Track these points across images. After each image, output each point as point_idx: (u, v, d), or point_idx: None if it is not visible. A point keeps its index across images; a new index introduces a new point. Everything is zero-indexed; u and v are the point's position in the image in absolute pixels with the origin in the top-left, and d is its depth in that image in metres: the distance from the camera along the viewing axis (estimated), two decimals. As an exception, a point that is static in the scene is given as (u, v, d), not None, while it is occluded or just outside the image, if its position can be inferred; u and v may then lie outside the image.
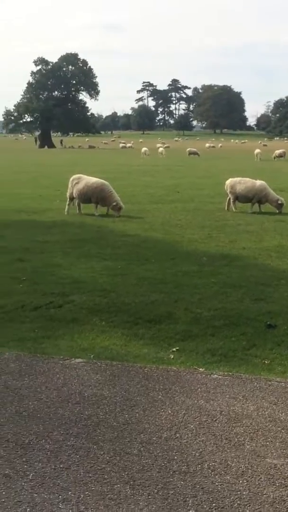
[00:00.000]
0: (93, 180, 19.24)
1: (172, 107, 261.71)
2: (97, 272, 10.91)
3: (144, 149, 67.94)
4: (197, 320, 8.17)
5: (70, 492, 4.10)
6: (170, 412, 5.33)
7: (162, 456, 4.58)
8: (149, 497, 4.06)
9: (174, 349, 7.10)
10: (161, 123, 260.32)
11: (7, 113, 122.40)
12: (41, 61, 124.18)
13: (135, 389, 5.82)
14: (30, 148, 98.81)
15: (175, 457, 4.57)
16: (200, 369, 6.45)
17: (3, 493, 4.08)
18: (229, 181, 19.96)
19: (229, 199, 19.92)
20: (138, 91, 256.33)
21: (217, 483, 4.23)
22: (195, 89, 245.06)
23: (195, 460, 4.54)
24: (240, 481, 4.26)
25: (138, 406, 5.44)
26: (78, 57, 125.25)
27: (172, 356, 6.88)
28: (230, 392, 5.79)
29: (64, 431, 4.95)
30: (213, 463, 4.49)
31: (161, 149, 70.12)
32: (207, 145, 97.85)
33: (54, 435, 4.88)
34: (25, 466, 4.41)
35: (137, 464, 4.46)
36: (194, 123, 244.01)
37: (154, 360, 6.76)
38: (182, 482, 4.23)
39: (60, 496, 4.05)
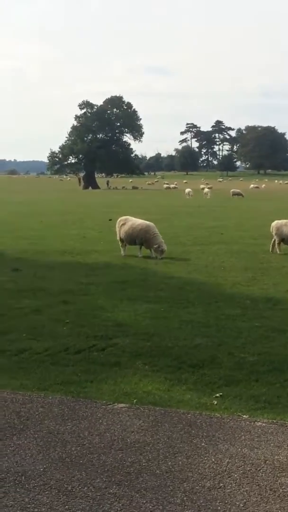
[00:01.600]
0: (138, 221, 19.38)
1: (216, 148, 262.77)
2: (140, 315, 10.91)
3: (187, 190, 68.27)
4: (240, 365, 8.09)
5: None
6: (213, 460, 5.27)
7: (205, 506, 4.51)
8: None
9: (217, 395, 7.03)
10: (205, 164, 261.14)
11: (52, 155, 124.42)
12: (86, 104, 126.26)
13: (178, 436, 5.77)
14: (74, 189, 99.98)
15: (219, 508, 4.50)
16: (244, 416, 6.37)
17: None
18: (274, 223, 19.84)
19: (274, 240, 19.81)
20: (182, 133, 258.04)
21: (261, 536, 4.15)
22: (239, 130, 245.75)
23: (239, 511, 4.46)
24: (285, 534, 4.17)
25: (181, 454, 5.38)
26: (123, 99, 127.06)
27: (215, 402, 6.81)
28: (274, 440, 5.70)
29: (106, 478, 4.92)
30: (257, 515, 4.41)
31: (206, 190, 70.36)
32: (251, 186, 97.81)
33: (96, 482, 4.85)
34: (68, 514, 4.40)
35: (180, 514, 4.40)
36: (238, 163, 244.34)
37: (197, 406, 6.70)
38: (225, 534, 4.16)
39: None
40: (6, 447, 5.50)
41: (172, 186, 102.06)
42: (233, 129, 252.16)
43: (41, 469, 5.07)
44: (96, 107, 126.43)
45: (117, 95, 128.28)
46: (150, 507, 4.50)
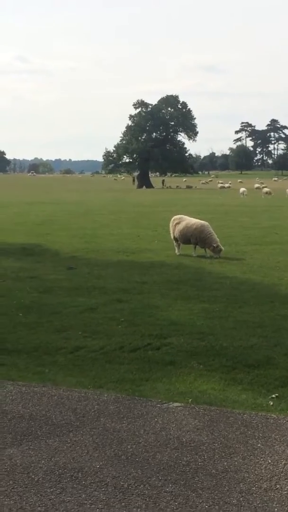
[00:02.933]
0: (193, 221, 19.36)
1: (271, 147, 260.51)
2: (195, 314, 10.89)
3: (242, 189, 67.75)
4: (297, 366, 8.00)
5: None
6: (270, 461, 5.23)
7: (262, 508, 4.48)
8: None
9: (273, 396, 6.97)
10: (259, 163, 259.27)
11: (107, 154, 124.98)
12: (140, 103, 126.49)
13: (234, 436, 5.74)
14: (129, 188, 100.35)
15: (276, 509, 4.46)
16: (301, 417, 6.31)
17: (102, 538, 4.09)
18: None
19: None
20: (237, 132, 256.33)
21: None
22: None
23: (296, 513, 4.42)
24: None
25: (237, 454, 5.36)
26: (178, 99, 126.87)
27: (271, 403, 6.76)
28: None
29: (162, 477, 4.92)
30: (315, 518, 4.36)
31: (266, 189, 69.54)
32: None
33: (152, 480, 4.86)
34: (124, 511, 4.41)
35: (237, 515, 4.38)
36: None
37: (253, 406, 6.66)
38: (283, 536, 4.13)
39: None
40: (63, 443, 5.55)
41: (226, 185, 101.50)
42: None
43: (98, 466, 5.10)
44: (150, 107, 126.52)
45: (173, 94, 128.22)
46: (206, 506, 4.49)
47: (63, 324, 10.14)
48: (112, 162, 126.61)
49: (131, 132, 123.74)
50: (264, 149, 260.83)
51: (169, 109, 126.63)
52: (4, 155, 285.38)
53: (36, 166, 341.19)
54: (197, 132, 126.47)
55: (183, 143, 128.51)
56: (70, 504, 4.50)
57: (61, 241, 22.28)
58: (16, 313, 10.90)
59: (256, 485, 4.81)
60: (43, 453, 5.35)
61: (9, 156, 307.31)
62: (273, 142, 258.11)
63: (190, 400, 6.77)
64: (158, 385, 7.31)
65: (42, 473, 4.98)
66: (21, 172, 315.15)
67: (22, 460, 5.21)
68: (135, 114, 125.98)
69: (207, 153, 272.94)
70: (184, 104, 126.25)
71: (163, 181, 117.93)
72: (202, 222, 19.40)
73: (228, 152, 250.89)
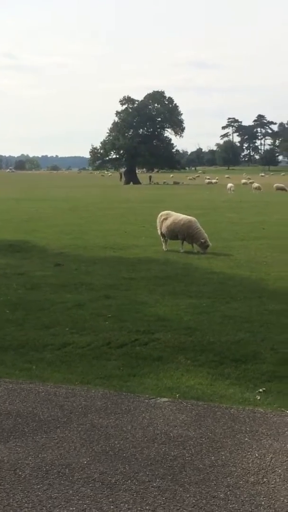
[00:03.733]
0: (181, 216, 19.36)
1: (258, 142, 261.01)
2: (182, 310, 10.89)
3: (229, 185, 67.80)
4: (284, 361, 8.02)
5: (156, 536, 4.06)
6: (257, 455, 5.24)
7: (249, 501, 4.49)
8: None
9: (260, 390, 6.99)
10: (246, 159, 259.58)
11: (94, 151, 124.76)
12: (127, 100, 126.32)
13: (221, 431, 5.75)
14: (116, 184, 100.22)
15: (263, 503, 4.48)
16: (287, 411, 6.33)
17: (90, 534, 4.08)
18: None
19: None
20: (223, 127, 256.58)
21: (306, 532, 4.11)
22: (281, 124, 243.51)
23: (284, 506, 4.43)
24: None
25: (225, 448, 5.37)
26: (164, 94, 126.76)
27: (258, 397, 6.77)
28: None
29: (150, 472, 4.92)
30: (302, 511, 4.38)
31: (255, 184, 69.52)
32: None
33: (140, 475, 4.86)
34: (112, 507, 4.41)
35: (224, 509, 4.39)
36: (280, 158, 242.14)
37: (240, 400, 6.67)
38: (270, 530, 4.14)
39: (146, 539, 4.02)
40: (50, 439, 5.55)
41: (213, 181, 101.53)
42: (275, 123, 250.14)
43: (85, 462, 5.10)
44: (137, 103, 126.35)
45: (159, 90, 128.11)
46: (194, 501, 4.49)
47: (50, 321, 10.11)
48: (99, 158, 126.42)
49: (117, 128, 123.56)
50: (251, 145, 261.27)
51: (156, 105, 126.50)
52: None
53: (23, 163, 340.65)
54: (184, 128, 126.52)
55: (170, 139, 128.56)
56: (57, 500, 4.49)
57: (48, 237, 22.23)
58: (2, 310, 10.86)
59: (243, 479, 4.82)
60: (30, 449, 5.34)
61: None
62: (260, 137, 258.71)
63: (177, 395, 6.78)
64: (145, 381, 7.31)
65: (29, 469, 4.97)
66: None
67: (9, 457, 5.19)
68: (121, 110, 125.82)
69: (194, 149, 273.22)
70: (171, 100, 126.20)
71: (150, 177, 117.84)
72: (190, 217, 19.41)
73: (215, 148, 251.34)
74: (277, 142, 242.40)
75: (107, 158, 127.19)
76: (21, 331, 9.51)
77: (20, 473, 4.91)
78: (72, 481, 4.78)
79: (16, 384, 7.06)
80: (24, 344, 8.82)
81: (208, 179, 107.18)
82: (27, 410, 6.27)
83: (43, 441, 5.52)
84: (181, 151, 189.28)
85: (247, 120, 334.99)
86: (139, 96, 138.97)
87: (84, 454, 5.25)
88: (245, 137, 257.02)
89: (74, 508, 4.39)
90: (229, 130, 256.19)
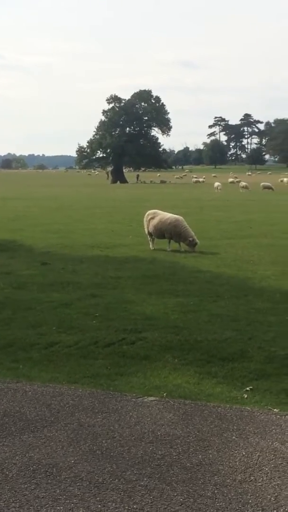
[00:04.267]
0: (167, 215, 19.36)
1: (244, 141, 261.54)
2: (169, 309, 10.90)
3: (216, 183, 67.83)
4: (271, 359, 8.04)
5: (143, 534, 4.05)
6: (244, 453, 5.25)
7: (236, 499, 4.50)
8: None
9: (247, 388, 7.01)
10: (233, 158, 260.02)
11: (80, 149, 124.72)
12: (114, 98, 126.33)
13: (209, 429, 5.76)
14: (103, 183, 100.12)
15: (250, 501, 4.49)
16: (275, 409, 6.34)
17: (77, 533, 4.07)
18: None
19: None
20: (210, 126, 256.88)
21: (293, 530, 4.13)
22: (268, 123, 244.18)
23: (271, 504, 4.45)
24: None
25: (212, 447, 5.37)
26: (151, 93, 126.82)
27: (245, 396, 6.79)
28: (305, 434, 5.66)
29: (137, 471, 4.92)
30: (289, 509, 4.39)
31: (243, 183, 69.61)
32: (285, 179, 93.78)
33: (127, 474, 4.86)
34: (99, 506, 4.40)
35: (211, 507, 4.40)
36: (267, 157, 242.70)
37: (227, 399, 6.68)
38: (257, 528, 4.15)
39: (133, 538, 4.02)
40: (37, 439, 5.54)
41: (201, 180, 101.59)
42: (261, 122, 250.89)
43: (72, 461, 5.09)
44: (124, 101, 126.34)
45: (146, 89, 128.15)
46: (181, 499, 4.50)
47: (37, 320, 10.09)
48: (85, 157, 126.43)
49: (104, 127, 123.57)
50: (238, 144, 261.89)
51: (143, 103, 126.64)
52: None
53: (9, 161, 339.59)
54: (171, 127, 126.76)
55: (157, 138, 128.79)
56: (44, 500, 4.48)
57: (35, 236, 22.18)
58: (-11, 309, 10.82)
59: (231, 477, 4.83)
60: (17, 449, 5.33)
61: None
62: (246, 136, 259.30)
63: (164, 394, 6.78)
64: (132, 380, 7.30)
65: (16, 469, 4.96)
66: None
67: (-4, 457, 5.18)
68: (108, 109, 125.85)
69: (181, 148, 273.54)
70: (158, 99, 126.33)
71: (137, 176, 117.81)
72: (177, 216, 19.42)
73: (202, 147, 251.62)
74: (263, 141, 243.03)
75: (94, 157, 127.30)
76: (8, 330, 9.48)
77: (7, 472, 4.90)
78: (60, 480, 4.77)
79: (3, 383, 7.04)
80: (11, 343, 8.80)
81: (195, 177, 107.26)
82: (14, 410, 6.25)
83: (30, 440, 5.51)
84: (168, 150, 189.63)
85: (234, 119, 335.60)
86: (126, 95, 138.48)
87: (72, 453, 5.25)
88: (232, 136, 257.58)
89: (62, 508, 4.39)
90: (216, 129, 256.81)
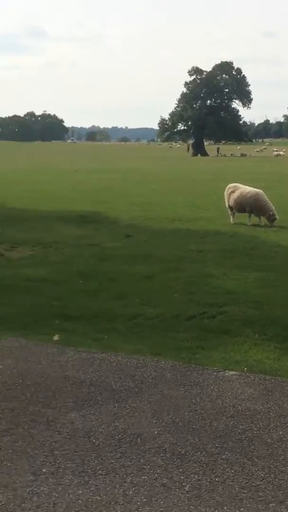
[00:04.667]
0: (248, 189, 19.25)
1: None
2: (250, 283, 10.91)
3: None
4: None
5: (225, 507, 4.14)
6: None
7: None
8: (305, 517, 4.05)
9: None
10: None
11: (162, 122, 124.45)
12: (195, 70, 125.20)
13: (289, 406, 5.80)
14: (183, 156, 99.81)
15: None
16: None
17: (161, 502, 4.20)
18: None
19: None
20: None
21: None
22: None
23: None
24: None
25: (293, 423, 5.42)
26: (233, 65, 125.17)
27: None
28: None
29: (219, 444, 5.02)
30: None
31: None
32: None
33: (209, 447, 4.97)
34: (182, 477, 4.53)
35: (292, 483, 4.46)
36: None
37: (308, 376, 6.69)
38: None
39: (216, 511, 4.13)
40: (122, 409, 5.69)
41: (281, 153, 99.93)
42: None
43: (156, 432, 5.23)
44: (205, 73, 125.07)
45: (227, 61, 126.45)
46: (262, 475, 4.57)
47: (121, 292, 10.27)
48: (167, 130, 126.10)
49: (186, 100, 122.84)
50: None
51: (224, 75, 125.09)
52: (63, 123, 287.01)
53: (94, 134, 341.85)
54: (252, 99, 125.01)
55: (238, 111, 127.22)
56: (130, 469, 4.63)
57: (118, 208, 22.38)
58: (76, 280, 11.08)
59: (312, 455, 4.87)
60: (103, 418, 5.50)
61: (67, 124, 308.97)
62: None
63: (245, 368, 6.83)
64: (213, 353, 7.38)
65: (102, 437, 5.13)
66: (79, 140, 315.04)
67: (83, 425, 5.36)
68: (190, 81, 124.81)
69: (261, 121, 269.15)
70: (239, 71, 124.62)
71: (218, 149, 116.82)
72: (257, 190, 19.29)
73: (282, 120, 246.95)
74: None
75: (175, 129, 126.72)
76: (94, 302, 9.69)
77: (94, 440, 5.07)
78: (144, 450, 4.92)
79: (89, 354, 7.23)
80: (96, 314, 8.99)
81: (276, 151, 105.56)
82: (100, 379, 6.43)
83: (115, 410, 5.67)
84: (248, 123, 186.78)
85: None
86: (208, 67, 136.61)
87: (155, 424, 5.39)
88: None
89: (146, 477, 4.53)
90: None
